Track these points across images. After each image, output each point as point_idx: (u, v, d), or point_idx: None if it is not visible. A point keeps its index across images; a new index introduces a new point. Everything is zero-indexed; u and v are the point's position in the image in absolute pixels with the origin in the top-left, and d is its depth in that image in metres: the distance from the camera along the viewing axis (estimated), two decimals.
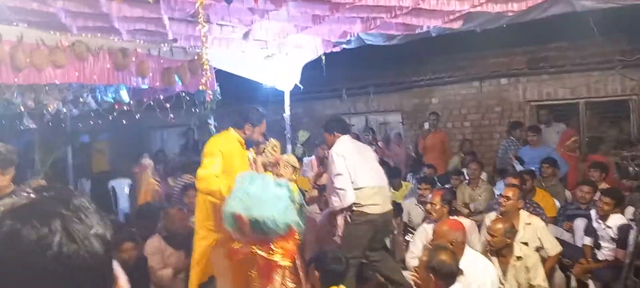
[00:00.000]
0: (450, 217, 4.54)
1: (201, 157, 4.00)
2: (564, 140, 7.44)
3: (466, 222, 4.66)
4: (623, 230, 4.61)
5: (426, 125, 8.49)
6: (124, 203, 8.75)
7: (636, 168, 3.37)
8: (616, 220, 4.71)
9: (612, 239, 4.69)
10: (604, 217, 4.77)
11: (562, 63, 8.15)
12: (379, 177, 4.64)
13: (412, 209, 6.05)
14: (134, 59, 4.84)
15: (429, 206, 4.80)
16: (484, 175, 6.88)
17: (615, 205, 4.74)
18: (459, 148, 8.68)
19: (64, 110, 5.72)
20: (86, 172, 9.76)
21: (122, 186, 8.91)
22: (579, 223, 5.28)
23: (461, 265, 3.63)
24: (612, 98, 8.01)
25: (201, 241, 4.03)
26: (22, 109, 5.00)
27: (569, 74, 8.17)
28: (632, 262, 3.82)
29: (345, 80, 10.02)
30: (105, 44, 4.60)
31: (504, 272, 3.99)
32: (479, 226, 4.96)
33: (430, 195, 5.08)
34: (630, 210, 5.20)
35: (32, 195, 0.80)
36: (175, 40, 5.31)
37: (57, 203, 0.78)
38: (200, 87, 4.88)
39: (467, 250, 3.78)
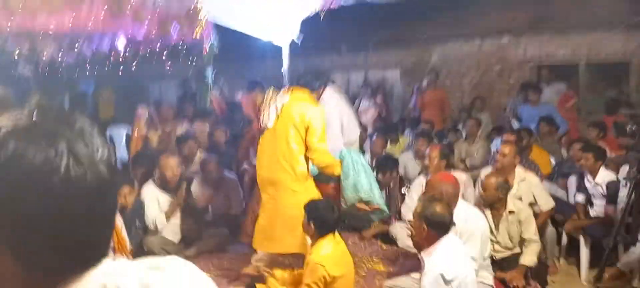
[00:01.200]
0: (446, 171, 4.57)
1: (305, 121, 3.85)
2: (563, 102, 7.42)
3: (462, 176, 4.72)
4: (611, 186, 4.66)
5: (425, 82, 8.43)
6: (121, 151, 8.81)
7: (633, 128, 3.37)
8: (605, 176, 4.75)
9: (603, 196, 4.74)
10: (593, 173, 4.81)
11: (564, 22, 8.04)
12: None
13: (409, 163, 6.09)
14: (129, 7, 4.76)
15: (427, 160, 4.85)
16: (480, 131, 6.89)
17: (596, 160, 4.76)
18: (469, 105, 8.57)
19: (59, 58, 5.66)
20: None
21: (120, 133, 8.96)
22: (572, 181, 5.32)
23: (454, 218, 3.69)
24: (613, 59, 7.94)
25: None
26: (17, 57, 4.94)
27: (571, 34, 8.07)
28: (623, 218, 3.87)
29: (345, 36, 9.90)
30: None
31: (497, 225, 4.05)
32: (475, 181, 5.00)
33: (427, 150, 5.10)
34: (625, 168, 5.24)
35: (34, 116, 0.75)
36: None
37: (61, 124, 0.74)
38: (195, 35, 4.81)
39: (460, 202, 3.83)
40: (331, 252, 3.28)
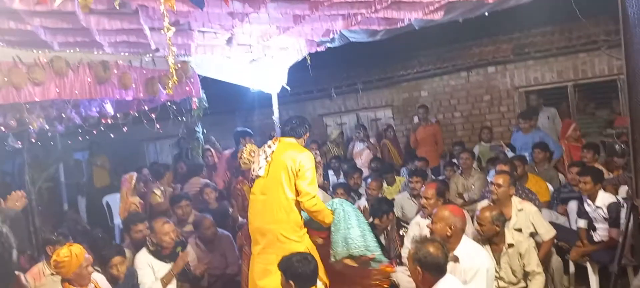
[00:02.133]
0: None
1: (298, 169, 3.85)
2: (565, 131, 7.28)
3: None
4: (612, 208, 4.60)
5: (416, 119, 8.46)
6: (119, 219, 8.71)
7: (622, 146, 3.35)
8: (605, 199, 4.69)
9: (605, 219, 4.68)
10: (591, 197, 4.75)
11: (547, 47, 8.15)
12: None
13: (405, 203, 6.02)
14: (115, 71, 4.80)
15: (423, 200, 4.74)
16: (475, 164, 6.86)
17: (595, 183, 4.71)
18: (478, 138, 8.50)
19: (48, 127, 5.67)
20: (82, 189, 9.74)
21: (116, 201, 8.85)
22: (573, 206, 5.27)
23: (457, 253, 3.62)
24: (600, 79, 8.01)
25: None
26: (3, 129, 4.94)
27: (556, 58, 8.18)
28: (625, 240, 3.80)
29: (334, 79, 10.03)
30: (84, 57, 4.56)
31: (498, 260, 3.97)
32: (472, 217, 4.93)
33: (422, 188, 5.04)
34: (624, 189, 5.19)
35: None
36: (157, 49, 5.28)
37: None
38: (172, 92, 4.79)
39: (464, 238, 3.76)
40: None
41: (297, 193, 3.87)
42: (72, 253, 3.47)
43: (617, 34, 7.37)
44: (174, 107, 6.03)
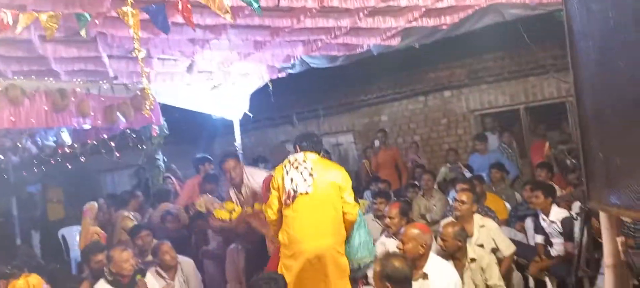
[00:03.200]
0: None
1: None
2: (538, 154, 7.23)
3: None
4: (566, 223, 4.77)
5: (376, 143, 8.59)
6: (75, 252, 8.41)
7: (573, 161, 3.52)
8: (558, 214, 4.87)
9: (560, 233, 4.85)
10: (545, 212, 4.94)
11: (499, 71, 8.48)
12: None
13: (369, 224, 6.07)
14: (73, 99, 4.71)
15: (387, 219, 4.82)
16: (436, 186, 7.00)
17: (546, 197, 4.90)
18: (444, 158, 8.67)
19: (2, 157, 5.48)
20: (36, 223, 9.37)
21: (73, 234, 8.57)
22: (529, 223, 5.44)
23: (426, 270, 3.69)
24: (549, 101, 8.37)
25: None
26: None
27: (508, 81, 8.50)
28: (580, 253, 3.95)
29: (295, 105, 10.09)
30: (41, 85, 4.47)
31: (461, 276, 4.04)
32: (435, 236, 5.02)
33: (386, 209, 5.12)
34: (577, 204, 5.40)
35: None
36: (116, 77, 5.22)
37: None
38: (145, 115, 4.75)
39: (431, 254, 3.84)
40: None
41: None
42: (30, 284, 3.34)
43: (564, 58, 7.78)
44: (134, 135, 5.94)
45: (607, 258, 2.58)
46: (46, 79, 4.61)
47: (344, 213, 4.01)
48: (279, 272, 3.86)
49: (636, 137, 1.81)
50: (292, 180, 3.94)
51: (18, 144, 4.76)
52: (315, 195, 3.91)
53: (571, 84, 2.13)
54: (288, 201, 3.95)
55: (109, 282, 4.41)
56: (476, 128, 8.80)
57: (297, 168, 3.97)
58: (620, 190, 1.97)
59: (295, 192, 3.92)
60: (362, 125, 9.86)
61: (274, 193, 4.06)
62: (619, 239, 2.44)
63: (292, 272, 3.90)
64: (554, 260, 4.87)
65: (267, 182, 4.35)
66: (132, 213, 6.11)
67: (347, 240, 4.10)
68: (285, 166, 4.04)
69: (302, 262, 3.90)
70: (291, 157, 4.08)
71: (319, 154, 4.16)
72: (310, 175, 3.94)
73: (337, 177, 4.00)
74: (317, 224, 3.92)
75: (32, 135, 5.08)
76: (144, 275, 4.65)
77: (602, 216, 2.53)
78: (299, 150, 4.12)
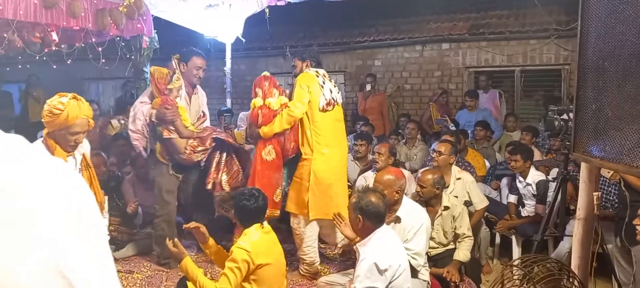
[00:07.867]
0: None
1: None
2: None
3: (406, 173, 4.91)
4: (541, 185, 4.91)
5: (368, 87, 8.54)
6: None
7: (561, 122, 3.54)
8: (535, 176, 4.99)
9: (533, 196, 4.97)
10: (523, 174, 5.02)
11: (501, 30, 8.38)
12: None
13: (348, 165, 6.13)
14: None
15: (376, 155, 5.02)
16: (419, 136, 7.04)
17: (525, 161, 4.99)
18: (436, 98, 8.53)
19: None
20: (13, 123, 9.28)
21: None
22: (505, 183, 5.55)
23: (399, 213, 3.76)
24: (546, 66, 8.35)
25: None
26: None
27: (508, 42, 8.43)
28: (550, 214, 4.05)
29: (290, 38, 9.92)
30: None
31: (432, 222, 4.14)
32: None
33: (375, 147, 5.33)
34: (555, 171, 5.49)
35: None
36: None
37: None
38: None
39: (405, 198, 3.91)
40: (258, 240, 3.16)
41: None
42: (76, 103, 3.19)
43: (567, 25, 7.77)
44: (123, 43, 5.81)
45: (580, 211, 2.66)
46: None
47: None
48: (302, 176, 4.33)
49: (630, 88, 1.82)
50: (330, 90, 4.42)
51: (5, 35, 4.61)
52: (336, 112, 4.48)
53: (576, 52, 2.14)
54: (328, 107, 4.38)
55: None
56: (469, 85, 8.78)
57: (330, 80, 4.50)
58: (606, 141, 2.01)
59: (335, 100, 4.44)
60: (355, 67, 9.76)
61: (307, 96, 4.31)
62: (596, 194, 2.50)
63: (320, 175, 4.31)
64: (522, 220, 5.01)
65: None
66: (123, 121, 6.12)
67: None
68: (317, 76, 4.40)
69: (333, 166, 4.38)
70: (315, 71, 4.45)
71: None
72: (335, 87, 4.52)
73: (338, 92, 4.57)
74: (342, 131, 4.60)
75: (19, 28, 4.92)
76: (118, 183, 4.73)
77: (583, 168, 2.59)
78: (310, 66, 4.50)
